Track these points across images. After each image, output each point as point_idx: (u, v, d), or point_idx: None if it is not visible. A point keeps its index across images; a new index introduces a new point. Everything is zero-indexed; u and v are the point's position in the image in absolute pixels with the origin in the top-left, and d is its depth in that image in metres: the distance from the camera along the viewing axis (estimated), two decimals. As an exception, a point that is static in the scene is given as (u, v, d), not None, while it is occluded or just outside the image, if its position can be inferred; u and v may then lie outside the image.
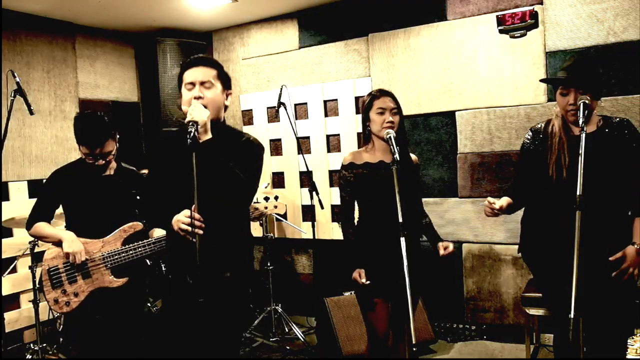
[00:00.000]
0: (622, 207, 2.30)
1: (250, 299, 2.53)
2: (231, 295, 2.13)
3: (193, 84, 2.08)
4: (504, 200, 2.43)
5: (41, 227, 2.77)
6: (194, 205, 1.88)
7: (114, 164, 2.86)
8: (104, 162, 2.73)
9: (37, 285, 3.36)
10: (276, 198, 4.10)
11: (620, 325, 2.30)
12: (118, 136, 2.81)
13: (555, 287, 2.32)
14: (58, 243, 2.72)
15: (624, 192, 2.28)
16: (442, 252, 2.55)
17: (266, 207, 3.99)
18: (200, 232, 1.89)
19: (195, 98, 2.04)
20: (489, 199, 2.39)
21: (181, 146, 1.88)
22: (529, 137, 2.45)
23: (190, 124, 1.90)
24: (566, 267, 2.16)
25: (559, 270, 2.26)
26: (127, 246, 2.75)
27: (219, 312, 2.03)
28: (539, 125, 2.45)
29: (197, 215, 1.89)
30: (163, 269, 3.70)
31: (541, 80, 2.53)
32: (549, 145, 2.33)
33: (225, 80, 2.18)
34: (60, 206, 2.87)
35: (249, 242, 2.31)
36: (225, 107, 2.20)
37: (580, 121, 2.08)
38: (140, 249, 2.75)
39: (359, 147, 2.75)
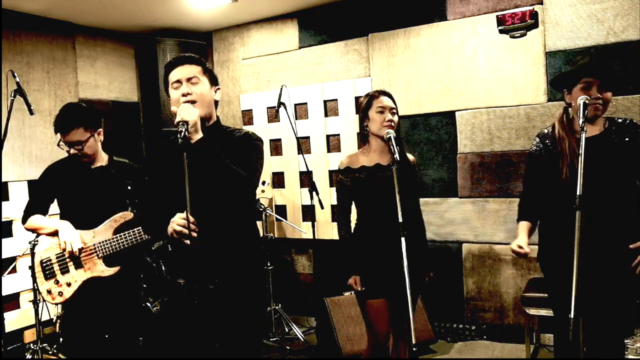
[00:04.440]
0: (631, 209, 2.28)
1: (263, 309, 2.38)
2: (241, 306, 2.05)
3: (179, 81, 2.03)
4: (525, 235, 2.38)
5: (36, 219, 2.79)
6: (187, 208, 1.81)
7: (104, 156, 2.87)
8: (76, 152, 2.71)
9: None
10: (263, 183, 4.10)
11: (620, 325, 2.30)
12: (100, 129, 2.79)
13: (564, 288, 2.31)
14: (54, 233, 2.74)
15: (632, 193, 2.26)
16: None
17: None
18: (194, 234, 1.83)
19: (183, 95, 2.00)
20: (516, 246, 2.33)
21: (174, 151, 1.82)
22: (538, 143, 2.41)
23: (181, 123, 1.85)
24: (583, 267, 2.16)
25: (571, 272, 2.26)
26: (118, 235, 2.76)
27: (230, 323, 2.01)
28: (546, 130, 2.41)
29: (191, 218, 1.82)
30: (163, 269, 3.70)
31: (562, 74, 2.40)
32: (560, 149, 2.30)
33: (212, 76, 2.13)
34: (55, 200, 2.88)
35: (258, 246, 2.22)
36: (216, 103, 2.14)
37: (581, 121, 2.06)
38: (131, 238, 2.76)
39: (359, 148, 2.75)
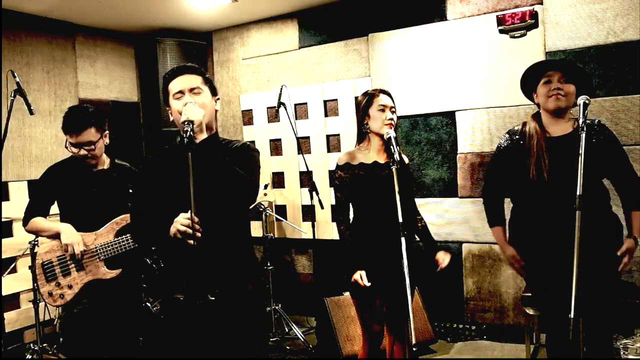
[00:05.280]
0: (603, 206, 2.31)
1: (263, 306, 2.36)
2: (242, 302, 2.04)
3: (182, 92, 2.01)
4: (510, 246, 2.44)
5: (37, 221, 2.79)
6: (192, 208, 1.80)
7: (106, 159, 2.86)
8: (86, 153, 2.71)
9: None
10: (265, 187, 4.10)
11: (607, 324, 2.30)
12: (107, 131, 2.81)
13: (547, 287, 2.31)
14: (56, 236, 2.73)
15: (603, 191, 2.29)
16: (441, 264, 2.57)
17: None
18: (199, 234, 1.82)
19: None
20: (516, 261, 2.41)
21: (177, 152, 1.80)
22: (506, 139, 2.43)
23: (186, 123, 1.83)
24: (555, 266, 2.17)
25: (547, 270, 2.26)
26: (119, 238, 2.76)
27: (231, 323, 2.00)
28: (516, 128, 2.43)
29: (195, 218, 1.81)
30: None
31: (524, 75, 2.38)
32: (528, 147, 2.30)
33: (212, 87, 2.12)
34: (55, 202, 2.87)
35: (251, 248, 2.23)
36: (216, 113, 2.13)
37: (580, 121, 2.05)
38: (132, 241, 2.75)
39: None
